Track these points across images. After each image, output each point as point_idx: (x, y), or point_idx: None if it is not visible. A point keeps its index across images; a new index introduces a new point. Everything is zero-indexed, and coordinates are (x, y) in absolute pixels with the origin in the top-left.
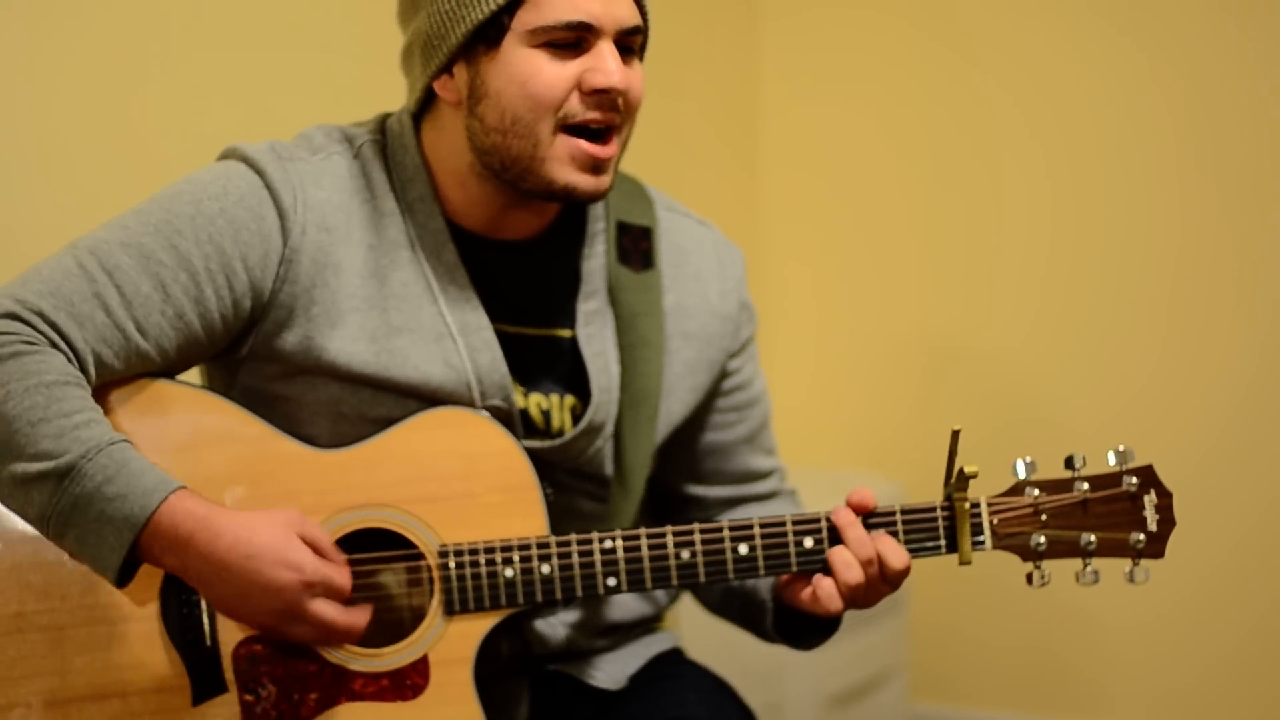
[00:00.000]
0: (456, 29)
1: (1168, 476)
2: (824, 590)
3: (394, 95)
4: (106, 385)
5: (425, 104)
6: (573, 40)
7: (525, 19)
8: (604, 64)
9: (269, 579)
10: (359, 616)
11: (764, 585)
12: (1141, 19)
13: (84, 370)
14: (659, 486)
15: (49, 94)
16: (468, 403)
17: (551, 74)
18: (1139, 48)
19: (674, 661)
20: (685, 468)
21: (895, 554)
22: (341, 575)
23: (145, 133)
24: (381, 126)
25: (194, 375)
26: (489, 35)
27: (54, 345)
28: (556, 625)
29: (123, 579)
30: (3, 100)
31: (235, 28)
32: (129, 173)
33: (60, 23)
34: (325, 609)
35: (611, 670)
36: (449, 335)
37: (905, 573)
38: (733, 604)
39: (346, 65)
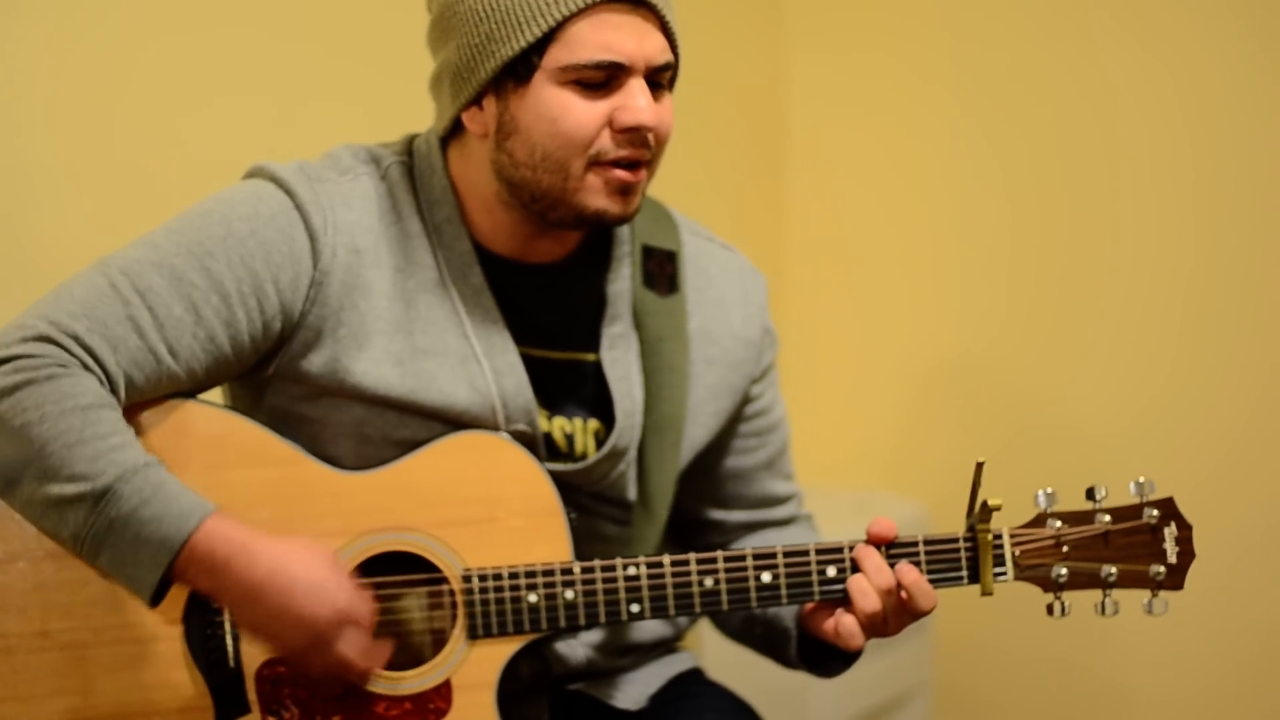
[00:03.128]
0: (486, 64)
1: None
2: (845, 627)
3: (422, 113)
4: (135, 405)
5: (453, 129)
6: (602, 79)
7: (555, 57)
8: (634, 101)
9: (301, 610)
10: (377, 657)
11: (788, 613)
12: (1165, 45)
13: (115, 393)
14: (678, 510)
15: (56, 105)
16: (492, 426)
17: (581, 113)
18: (1166, 73)
19: (694, 682)
20: (705, 492)
21: (924, 595)
22: (366, 614)
23: (156, 146)
24: (408, 148)
25: (216, 394)
26: (518, 72)
27: (87, 368)
28: (576, 646)
29: (156, 599)
30: (13, 111)
31: (257, 42)
32: (136, 188)
33: (72, 33)
34: (349, 647)
35: (631, 690)
36: (474, 358)
37: (931, 610)
38: (754, 631)
39: (374, 81)
